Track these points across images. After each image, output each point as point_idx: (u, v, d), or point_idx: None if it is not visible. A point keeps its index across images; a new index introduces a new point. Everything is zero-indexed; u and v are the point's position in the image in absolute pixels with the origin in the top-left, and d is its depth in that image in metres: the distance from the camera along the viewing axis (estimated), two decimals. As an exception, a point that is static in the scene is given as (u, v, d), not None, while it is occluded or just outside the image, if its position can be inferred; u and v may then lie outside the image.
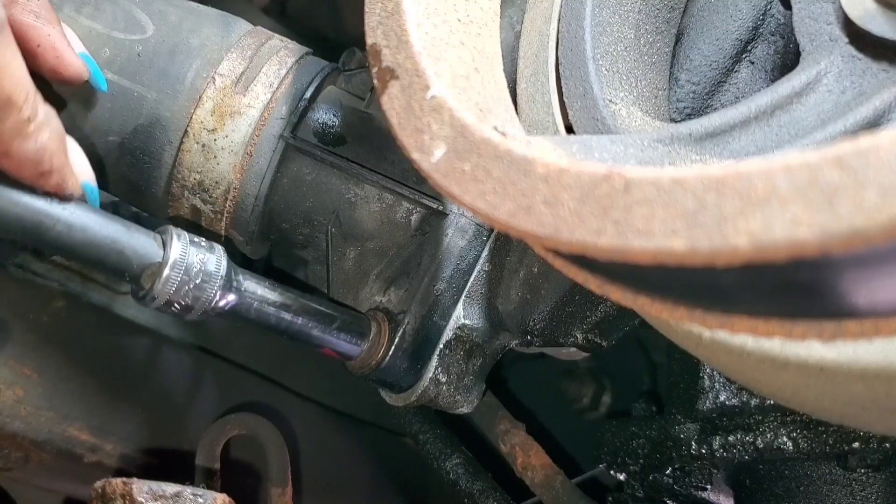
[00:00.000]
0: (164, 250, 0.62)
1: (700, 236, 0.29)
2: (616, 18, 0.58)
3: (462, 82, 0.47)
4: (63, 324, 0.91)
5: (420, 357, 0.75)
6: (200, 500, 0.72)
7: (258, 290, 0.68)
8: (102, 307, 0.95)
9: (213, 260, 0.64)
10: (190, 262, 0.63)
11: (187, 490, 0.72)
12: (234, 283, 0.66)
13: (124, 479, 0.71)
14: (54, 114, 0.55)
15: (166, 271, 0.61)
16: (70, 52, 0.60)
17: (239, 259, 0.68)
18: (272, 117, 0.73)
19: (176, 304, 0.63)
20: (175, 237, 0.63)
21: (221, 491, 0.77)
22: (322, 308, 0.72)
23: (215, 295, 0.64)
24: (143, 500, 0.70)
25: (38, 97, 0.53)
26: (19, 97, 0.50)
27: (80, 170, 0.59)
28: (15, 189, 0.55)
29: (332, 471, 1.10)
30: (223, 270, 0.65)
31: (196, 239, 0.65)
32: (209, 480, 0.91)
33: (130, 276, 0.61)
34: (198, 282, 0.63)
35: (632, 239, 0.31)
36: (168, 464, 0.94)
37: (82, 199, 0.60)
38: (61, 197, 0.58)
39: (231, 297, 0.66)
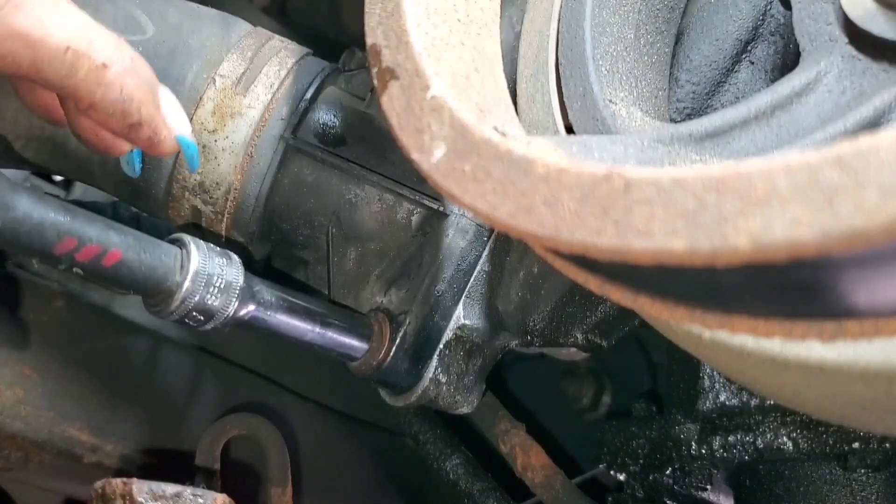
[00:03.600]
0: (184, 261, 0.61)
1: (700, 236, 0.29)
2: (616, 19, 0.58)
3: (462, 82, 0.47)
4: (63, 324, 0.91)
5: (420, 357, 0.75)
6: (200, 501, 0.72)
7: (272, 298, 0.67)
8: (102, 307, 0.95)
9: (232, 271, 0.63)
10: (210, 272, 0.61)
11: (187, 490, 0.72)
12: (252, 294, 0.65)
13: (124, 479, 0.71)
14: (144, 63, 0.52)
15: (187, 283, 0.60)
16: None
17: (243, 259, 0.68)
18: (272, 118, 0.73)
19: (195, 316, 0.62)
20: (194, 247, 0.61)
21: (221, 491, 0.77)
22: (327, 311, 0.72)
23: (234, 306, 0.63)
24: (143, 501, 0.70)
25: (117, 43, 0.50)
26: (81, 44, 0.47)
27: (174, 122, 0.56)
28: (27, 203, 0.52)
29: (332, 471, 1.10)
30: (241, 281, 0.64)
31: (214, 249, 0.64)
32: (209, 481, 0.91)
33: (149, 290, 0.60)
34: (217, 294, 0.62)
35: (632, 239, 0.31)
36: (168, 464, 0.94)
37: (178, 153, 0.57)
38: (157, 152, 0.55)
39: (250, 308, 0.65)
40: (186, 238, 0.63)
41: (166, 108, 0.56)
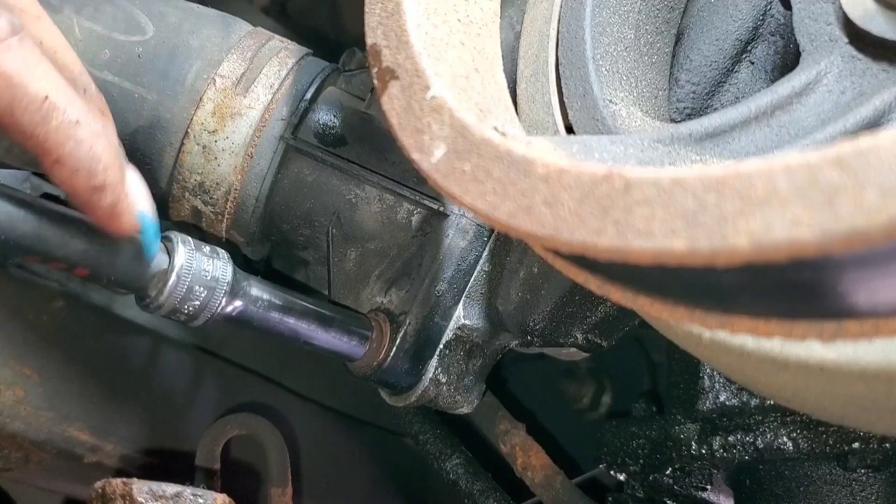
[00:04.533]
0: (170, 257, 0.61)
1: (700, 236, 0.29)
2: (616, 19, 0.58)
3: (462, 82, 0.47)
4: (63, 324, 0.91)
5: (421, 358, 0.75)
6: (200, 501, 0.72)
7: (263, 295, 0.67)
8: (102, 307, 0.95)
9: (220, 266, 0.64)
10: (196, 268, 0.62)
11: (187, 490, 0.72)
12: (241, 289, 0.65)
13: (124, 479, 0.71)
14: (113, 128, 0.53)
15: (172, 279, 0.60)
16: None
17: (240, 260, 0.68)
18: (273, 118, 0.73)
19: (182, 312, 0.62)
20: (181, 244, 0.62)
21: (221, 491, 0.77)
22: (325, 311, 0.72)
23: (221, 301, 0.64)
24: (143, 501, 0.70)
25: (93, 105, 0.51)
26: (58, 98, 0.49)
27: (135, 197, 0.55)
28: (12, 202, 0.52)
29: (332, 471, 1.10)
30: (229, 276, 0.64)
31: (201, 244, 0.64)
32: (209, 481, 0.91)
33: (130, 288, 0.60)
34: (204, 289, 0.62)
35: (632, 239, 0.31)
36: (168, 464, 0.94)
37: (137, 231, 0.56)
38: (115, 226, 0.54)
39: (238, 304, 0.65)
40: (174, 235, 0.63)
41: (130, 182, 0.55)
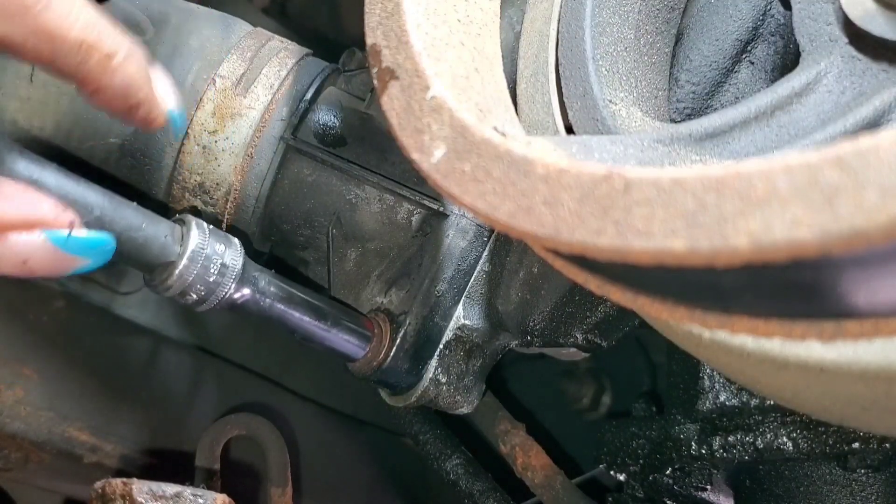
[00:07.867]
0: (183, 240, 0.62)
1: (700, 237, 0.29)
2: (616, 19, 0.58)
3: (462, 83, 0.47)
4: (63, 324, 0.91)
5: (420, 358, 0.75)
6: (200, 501, 0.72)
7: (271, 287, 0.68)
8: (102, 307, 0.95)
9: (230, 254, 0.64)
10: (208, 253, 0.62)
11: (187, 490, 0.72)
12: (250, 278, 0.66)
13: (124, 479, 0.71)
14: (138, 49, 0.57)
15: (183, 262, 0.61)
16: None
17: (251, 252, 0.68)
18: (273, 119, 0.73)
19: (190, 294, 0.63)
20: (195, 227, 0.63)
21: (221, 491, 0.77)
22: (328, 309, 0.72)
23: (230, 288, 0.64)
24: (143, 501, 0.70)
25: (118, 33, 0.55)
26: (92, 37, 0.52)
27: (165, 98, 0.61)
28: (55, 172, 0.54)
29: (332, 471, 1.10)
30: (240, 264, 0.65)
31: (215, 230, 0.65)
32: (209, 481, 0.91)
33: (147, 264, 0.61)
34: (213, 274, 0.63)
35: (632, 239, 0.31)
36: (168, 464, 0.94)
37: (167, 128, 0.61)
38: (150, 129, 0.60)
39: (245, 292, 0.66)
40: (189, 218, 0.64)
41: (158, 86, 0.60)
